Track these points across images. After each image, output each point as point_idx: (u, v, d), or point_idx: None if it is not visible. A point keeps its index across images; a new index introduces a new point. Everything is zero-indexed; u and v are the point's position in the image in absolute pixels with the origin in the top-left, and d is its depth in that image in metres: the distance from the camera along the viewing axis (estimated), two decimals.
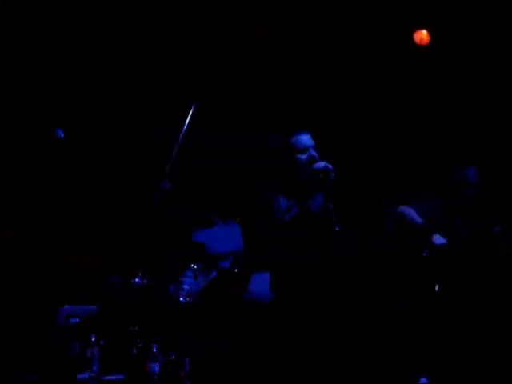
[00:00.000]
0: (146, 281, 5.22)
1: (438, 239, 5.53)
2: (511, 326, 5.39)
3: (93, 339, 5.08)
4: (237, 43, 6.85)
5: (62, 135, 5.36)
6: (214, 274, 5.65)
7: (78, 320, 5.33)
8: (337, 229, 4.33)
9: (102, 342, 5.11)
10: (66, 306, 5.38)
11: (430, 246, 5.51)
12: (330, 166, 4.38)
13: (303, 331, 4.26)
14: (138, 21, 6.67)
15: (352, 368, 4.45)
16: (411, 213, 5.67)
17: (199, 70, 6.74)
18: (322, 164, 4.39)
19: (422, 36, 6.71)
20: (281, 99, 6.92)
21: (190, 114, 5.03)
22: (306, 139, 4.53)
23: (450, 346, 5.31)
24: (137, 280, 5.23)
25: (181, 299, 5.49)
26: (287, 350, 4.26)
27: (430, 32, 6.69)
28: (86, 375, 4.95)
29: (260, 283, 4.37)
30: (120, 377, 4.96)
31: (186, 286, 5.58)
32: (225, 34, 6.79)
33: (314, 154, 4.46)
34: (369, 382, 4.70)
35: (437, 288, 5.43)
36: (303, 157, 4.45)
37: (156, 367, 4.87)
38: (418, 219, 5.63)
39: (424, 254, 5.53)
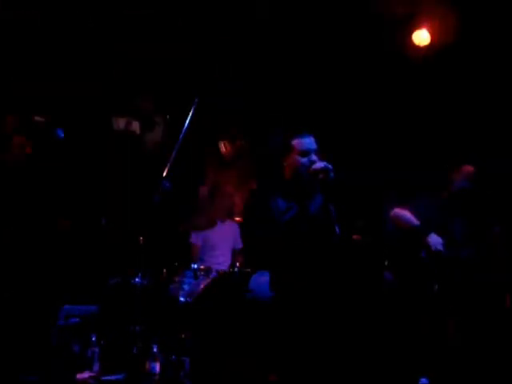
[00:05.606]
0: (146, 281, 5.23)
1: (434, 239, 5.51)
2: (510, 327, 5.40)
3: (93, 339, 5.09)
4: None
5: (62, 135, 5.36)
6: (214, 274, 5.66)
7: (78, 320, 5.34)
8: (337, 230, 4.30)
9: (102, 341, 5.12)
10: (66, 306, 5.39)
11: (426, 246, 5.50)
12: (329, 165, 4.34)
13: (303, 331, 4.25)
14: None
15: (352, 368, 4.44)
16: (406, 215, 5.64)
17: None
18: (321, 164, 4.35)
19: (422, 36, 6.70)
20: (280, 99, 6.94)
21: (190, 114, 5.03)
22: (308, 142, 4.46)
23: (450, 346, 5.31)
24: (137, 280, 5.23)
25: (181, 299, 5.50)
26: (287, 350, 4.26)
27: (430, 32, 6.69)
28: (85, 375, 4.96)
29: (260, 283, 4.36)
30: (120, 377, 4.96)
31: (185, 286, 5.59)
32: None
33: (315, 159, 4.40)
34: (369, 382, 4.70)
35: (436, 288, 5.43)
36: (303, 160, 4.40)
37: (156, 367, 4.88)
38: (413, 220, 5.60)
39: (422, 255, 5.52)
